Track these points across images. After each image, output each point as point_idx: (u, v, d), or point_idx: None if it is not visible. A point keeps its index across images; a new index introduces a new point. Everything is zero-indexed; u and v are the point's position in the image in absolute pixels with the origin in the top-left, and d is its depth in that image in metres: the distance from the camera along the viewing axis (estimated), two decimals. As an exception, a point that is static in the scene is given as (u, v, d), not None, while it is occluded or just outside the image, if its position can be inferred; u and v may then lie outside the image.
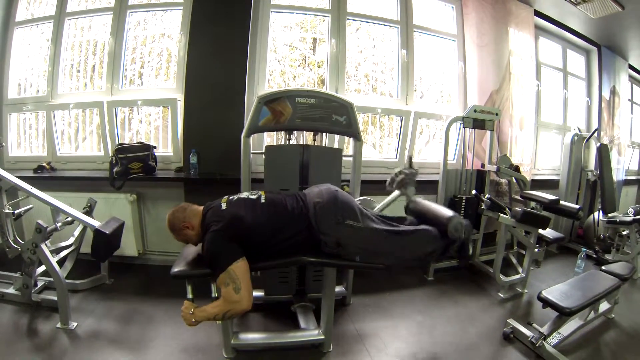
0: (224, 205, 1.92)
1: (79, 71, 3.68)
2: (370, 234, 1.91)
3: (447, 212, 2.07)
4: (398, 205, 2.52)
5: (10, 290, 2.64)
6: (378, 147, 4.01)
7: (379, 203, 2.47)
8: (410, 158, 2.50)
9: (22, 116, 3.71)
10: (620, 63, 5.30)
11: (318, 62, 3.75)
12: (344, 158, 2.64)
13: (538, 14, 4.27)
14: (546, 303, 2.19)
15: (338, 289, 2.77)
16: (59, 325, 2.37)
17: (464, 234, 2.07)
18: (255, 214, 1.87)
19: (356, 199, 2.32)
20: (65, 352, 2.15)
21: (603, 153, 4.36)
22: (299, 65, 3.76)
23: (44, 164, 3.38)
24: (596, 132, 4.58)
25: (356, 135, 2.55)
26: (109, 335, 2.34)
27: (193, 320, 1.76)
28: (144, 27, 3.61)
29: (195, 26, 3.24)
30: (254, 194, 2.01)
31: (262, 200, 1.96)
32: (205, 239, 1.82)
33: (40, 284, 2.74)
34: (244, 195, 2.02)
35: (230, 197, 2.00)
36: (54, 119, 3.56)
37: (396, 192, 2.46)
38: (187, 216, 1.95)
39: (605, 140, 4.91)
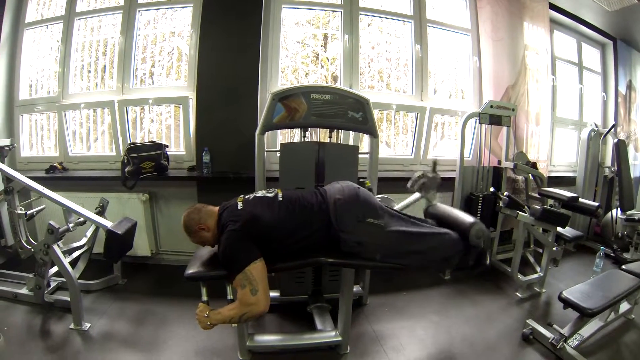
0: (240, 205, 1.87)
1: (89, 71, 3.68)
2: (392, 234, 1.85)
3: (469, 218, 2.01)
4: (417, 207, 2.47)
5: (23, 290, 2.65)
6: (393, 145, 3.96)
7: (396, 201, 2.42)
8: (434, 163, 2.47)
9: (34, 117, 3.72)
10: (637, 57, 5.17)
11: (330, 59, 3.71)
12: (359, 155, 2.59)
13: (552, 6, 4.17)
14: (567, 304, 2.14)
15: (354, 288, 2.72)
16: (72, 326, 2.37)
17: (485, 243, 2.01)
18: (272, 213, 1.82)
19: (375, 197, 2.27)
20: (78, 353, 2.15)
21: (621, 149, 4.26)
22: (310, 62, 3.72)
23: (56, 165, 3.38)
24: (613, 127, 4.48)
25: (373, 132, 2.50)
26: (122, 336, 2.34)
27: (208, 323, 1.72)
28: (154, 26, 3.60)
29: (206, 23, 3.22)
30: (271, 192, 1.96)
31: (280, 199, 1.89)
32: (222, 240, 1.77)
33: (53, 284, 2.75)
34: (260, 193, 1.97)
35: (247, 196, 1.95)
36: (65, 119, 3.56)
37: (417, 194, 2.42)
38: (202, 217, 1.90)
39: (622, 136, 4.81)
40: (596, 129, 4.38)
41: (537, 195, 3.59)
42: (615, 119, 4.91)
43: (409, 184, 2.43)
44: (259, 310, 1.68)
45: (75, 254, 2.83)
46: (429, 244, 1.92)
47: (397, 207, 2.36)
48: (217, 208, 1.96)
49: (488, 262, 2.12)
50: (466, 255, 1.99)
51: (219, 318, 1.71)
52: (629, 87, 5.07)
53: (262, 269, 1.70)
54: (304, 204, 1.87)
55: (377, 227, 1.82)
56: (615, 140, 4.30)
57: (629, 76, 5.06)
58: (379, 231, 1.83)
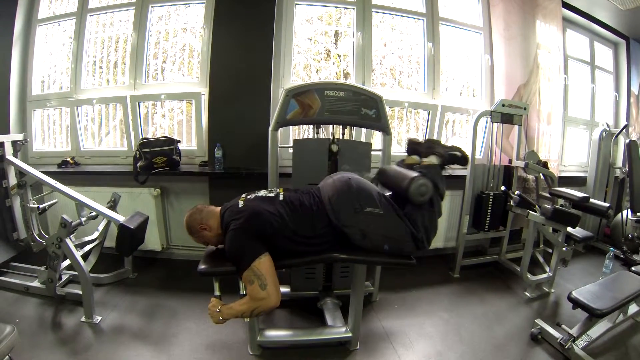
0: (241, 204, 1.87)
1: (101, 67, 3.70)
2: (392, 220, 1.84)
3: (406, 177, 1.85)
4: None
5: (35, 283, 2.67)
6: (404, 143, 3.92)
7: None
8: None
9: (46, 112, 3.75)
10: (650, 57, 5.13)
11: (342, 56, 3.70)
12: (372, 152, 2.58)
13: (565, 5, 4.14)
14: (576, 304, 2.13)
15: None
16: (83, 319, 2.39)
17: (431, 191, 1.85)
18: (273, 211, 1.81)
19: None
20: (90, 346, 2.16)
21: (632, 150, 4.21)
22: (322, 59, 3.72)
23: (68, 159, 3.40)
24: (625, 128, 4.44)
25: (385, 129, 2.50)
26: (133, 330, 2.35)
27: (220, 318, 1.73)
28: (166, 22, 3.61)
29: (218, 19, 3.22)
30: (272, 192, 1.96)
31: (281, 198, 1.90)
32: (226, 238, 1.78)
33: (64, 277, 2.77)
34: (261, 193, 1.97)
35: (248, 196, 1.96)
36: (78, 115, 3.59)
37: None
38: (203, 217, 1.92)
39: (633, 137, 4.76)
40: (608, 129, 4.34)
41: (547, 194, 3.56)
42: (627, 119, 4.87)
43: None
44: (269, 305, 1.69)
45: (87, 247, 2.86)
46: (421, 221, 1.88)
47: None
48: (218, 208, 1.97)
49: (462, 154, 2.05)
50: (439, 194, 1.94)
51: (230, 313, 1.72)
52: (642, 87, 5.02)
53: (269, 263, 1.71)
54: (304, 205, 1.87)
55: (376, 216, 1.81)
56: (627, 140, 4.25)
57: (642, 76, 5.01)
58: (379, 219, 1.82)
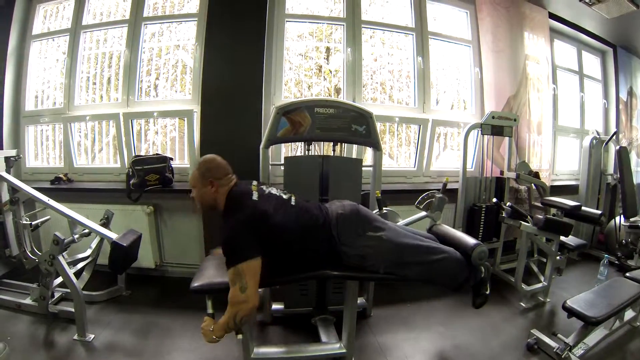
0: (255, 195, 1.83)
1: (94, 83, 3.71)
2: (393, 245, 1.86)
3: (472, 240, 2.02)
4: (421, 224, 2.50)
5: (27, 300, 2.65)
6: (396, 157, 3.97)
7: (400, 213, 2.44)
8: (445, 185, 2.57)
9: (39, 128, 3.74)
10: (637, 63, 5.21)
11: (333, 71, 3.72)
12: (363, 168, 2.60)
13: (552, 16, 4.22)
14: (571, 313, 2.13)
15: (359, 300, 2.71)
16: (75, 337, 2.37)
17: (486, 271, 2.06)
18: (284, 214, 1.80)
19: (383, 210, 2.33)
20: (82, 365, 2.14)
21: (623, 156, 4.25)
22: (313, 75, 3.75)
23: (61, 176, 3.40)
24: (615, 134, 4.49)
25: (376, 145, 2.52)
26: (126, 348, 2.33)
27: (214, 337, 1.71)
28: (159, 39, 3.64)
29: (210, 37, 3.23)
30: (286, 194, 1.97)
31: (292, 203, 1.91)
32: (227, 224, 1.74)
33: (57, 295, 2.74)
34: (275, 190, 1.96)
35: (261, 187, 1.94)
36: (71, 131, 3.58)
37: (422, 213, 2.48)
38: (221, 174, 1.90)
39: (624, 143, 4.82)
40: (598, 136, 4.39)
41: (540, 204, 3.59)
42: (617, 126, 4.94)
43: (417, 202, 2.48)
44: (249, 307, 1.66)
45: (80, 265, 2.85)
46: (431, 258, 1.90)
47: (401, 222, 2.37)
48: (233, 178, 1.96)
49: (488, 292, 2.13)
50: (468, 278, 2.00)
51: (219, 328, 1.70)
52: (630, 93, 5.10)
53: (256, 267, 1.67)
54: (312, 214, 1.89)
55: (377, 240, 1.84)
56: (617, 147, 4.30)
57: (629, 83, 5.09)
58: (380, 244, 1.84)
